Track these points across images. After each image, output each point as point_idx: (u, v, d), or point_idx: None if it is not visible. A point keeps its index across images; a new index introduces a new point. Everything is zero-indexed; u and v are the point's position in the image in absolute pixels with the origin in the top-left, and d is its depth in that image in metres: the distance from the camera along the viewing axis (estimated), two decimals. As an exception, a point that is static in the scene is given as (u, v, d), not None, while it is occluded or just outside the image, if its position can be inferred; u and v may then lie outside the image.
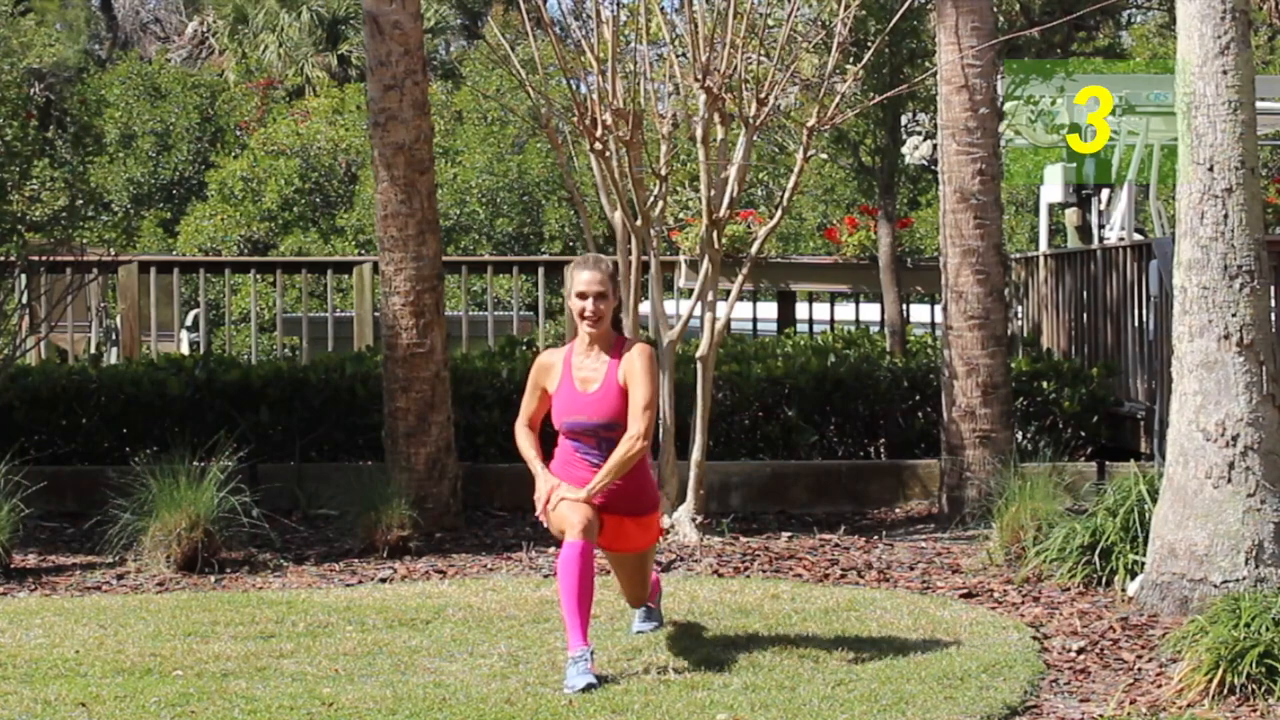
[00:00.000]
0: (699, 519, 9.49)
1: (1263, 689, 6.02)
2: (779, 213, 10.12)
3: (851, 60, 11.34)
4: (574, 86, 9.86)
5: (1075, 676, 6.52)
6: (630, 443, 6.49)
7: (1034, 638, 7.04)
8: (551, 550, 9.14)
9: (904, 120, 12.55)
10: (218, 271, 15.95)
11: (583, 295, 6.56)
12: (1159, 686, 6.29)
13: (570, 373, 6.62)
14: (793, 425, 11.09)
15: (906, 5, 10.89)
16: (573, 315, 6.64)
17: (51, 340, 13.21)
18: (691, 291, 10.15)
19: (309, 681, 6.35)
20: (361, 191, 22.73)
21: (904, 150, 12.58)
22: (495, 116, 24.31)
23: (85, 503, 9.99)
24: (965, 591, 8.08)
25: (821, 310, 15.48)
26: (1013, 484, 8.84)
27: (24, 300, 10.52)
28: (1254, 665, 6.04)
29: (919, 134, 12.68)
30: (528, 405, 6.79)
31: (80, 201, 10.69)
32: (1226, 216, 7.41)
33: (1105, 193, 14.54)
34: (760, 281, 14.35)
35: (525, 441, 6.76)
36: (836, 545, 9.39)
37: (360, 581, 8.53)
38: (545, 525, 6.66)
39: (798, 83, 11.57)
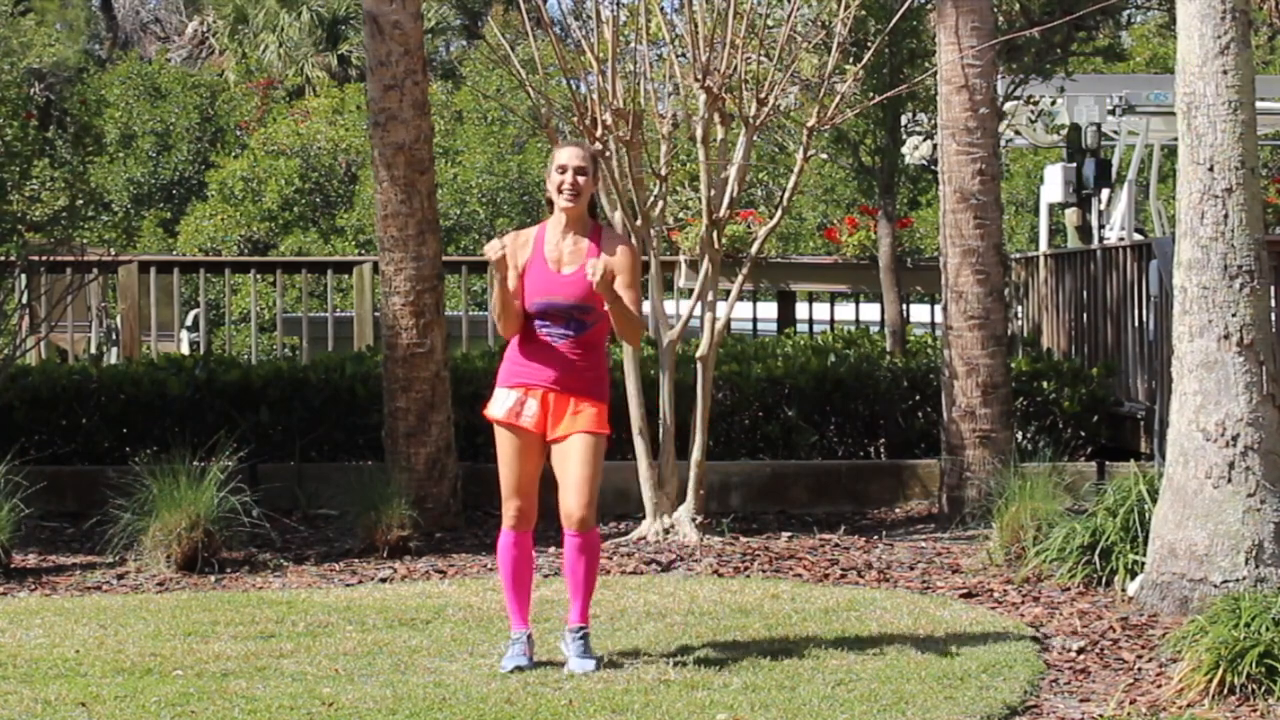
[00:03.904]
0: (699, 519, 9.49)
1: (1263, 689, 6.02)
2: (779, 213, 10.12)
3: (851, 60, 11.33)
4: (574, 86, 9.86)
5: (1075, 676, 6.52)
6: (634, 305, 6.50)
7: (1034, 638, 7.04)
8: (552, 550, 9.15)
9: (904, 120, 12.54)
10: (218, 271, 15.95)
11: (563, 169, 6.50)
12: (1159, 686, 6.29)
13: (542, 251, 6.55)
14: (793, 425, 11.09)
15: (906, 5, 10.89)
16: (550, 193, 6.55)
17: (51, 340, 13.21)
18: (691, 291, 10.15)
19: (309, 681, 6.35)
20: (361, 191, 22.74)
21: (904, 150, 12.57)
22: (495, 116, 24.33)
23: (85, 503, 9.98)
24: (965, 591, 8.08)
25: (821, 310, 15.48)
26: (1013, 484, 8.84)
27: (24, 300, 10.52)
28: (1254, 665, 6.04)
29: (919, 134, 12.67)
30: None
31: (80, 201, 10.69)
32: (1226, 216, 7.41)
33: (1105, 193, 14.54)
34: (760, 281, 14.34)
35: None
36: (836, 545, 9.39)
37: (360, 581, 8.53)
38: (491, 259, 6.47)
39: (798, 83, 11.57)
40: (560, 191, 6.51)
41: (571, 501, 6.52)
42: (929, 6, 11.76)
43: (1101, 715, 5.94)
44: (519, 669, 6.41)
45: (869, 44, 11.07)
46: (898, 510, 10.58)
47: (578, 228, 6.56)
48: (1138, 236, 14.33)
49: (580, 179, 6.50)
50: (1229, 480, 7.35)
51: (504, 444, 6.56)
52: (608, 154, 9.42)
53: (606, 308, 6.49)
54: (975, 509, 9.68)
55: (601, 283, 6.34)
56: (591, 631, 6.61)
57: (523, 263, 6.56)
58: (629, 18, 11.10)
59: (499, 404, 6.56)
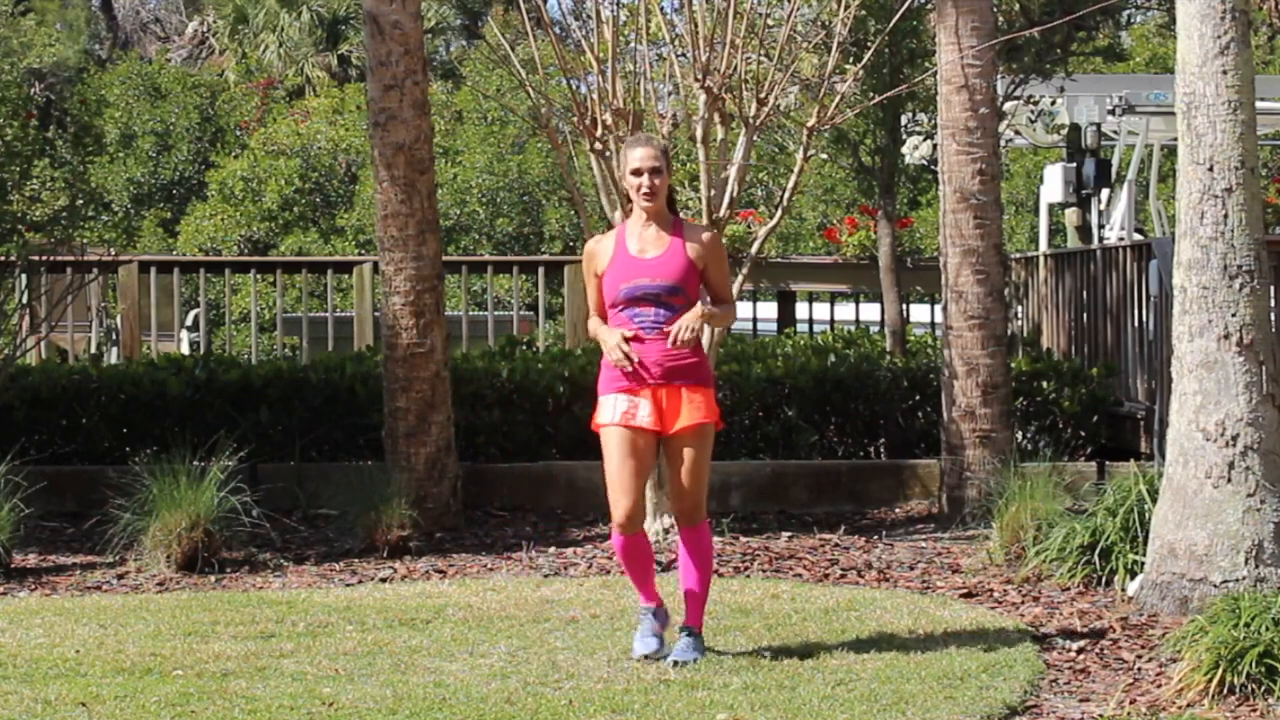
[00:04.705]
0: (699, 519, 9.48)
1: (1262, 689, 6.02)
2: (779, 213, 10.12)
3: (851, 60, 11.34)
4: (574, 86, 9.86)
5: (1075, 676, 6.52)
6: (732, 308, 6.85)
7: (1034, 638, 7.04)
8: (551, 550, 9.17)
9: (904, 120, 12.55)
10: (218, 271, 15.94)
11: (638, 172, 6.61)
12: (1159, 686, 6.29)
13: (625, 245, 6.62)
14: (793, 425, 11.09)
15: (906, 5, 10.89)
16: (628, 193, 6.67)
17: (51, 340, 13.20)
18: (691, 291, 10.13)
19: (309, 681, 6.35)
20: (361, 191, 22.74)
21: (904, 150, 12.57)
22: (495, 116, 24.31)
23: (85, 503, 9.98)
24: (965, 591, 8.08)
25: (821, 310, 15.49)
26: (1013, 484, 8.84)
27: (24, 300, 10.52)
28: (1254, 665, 6.04)
29: (919, 134, 12.68)
30: (593, 298, 6.74)
31: (80, 201, 10.68)
32: (1226, 216, 7.41)
33: (1105, 193, 14.55)
34: (760, 281, 14.35)
35: (596, 322, 6.69)
36: (836, 545, 9.39)
37: (360, 581, 8.53)
38: (614, 363, 6.55)
39: (798, 83, 11.57)
40: (640, 193, 6.61)
41: (683, 499, 6.62)
42: (929, 6, 11.76)
43: (1101, 715, 5.94)
44: (646, 657, 6.54)
45: (869, 44, 11.07)
46: (898, 510, 10.58)
47: (659, 221, 6.65)
48: (1138, 236, 14.33)
49: (656, 180, 6.62)
50: (1229, 480, 7.35)
51: (616, 444, 6.54)
52: (609, 154, 9.41)
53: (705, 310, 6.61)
54: (975, 509, 9.68)
55: (695, 327, 6.50)
56: (595, 631, 6.60)
57: (604, 265, 6.63)
58: (629, 18, 11.10)
59: (608, 410, 6.57)
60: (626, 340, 6.50)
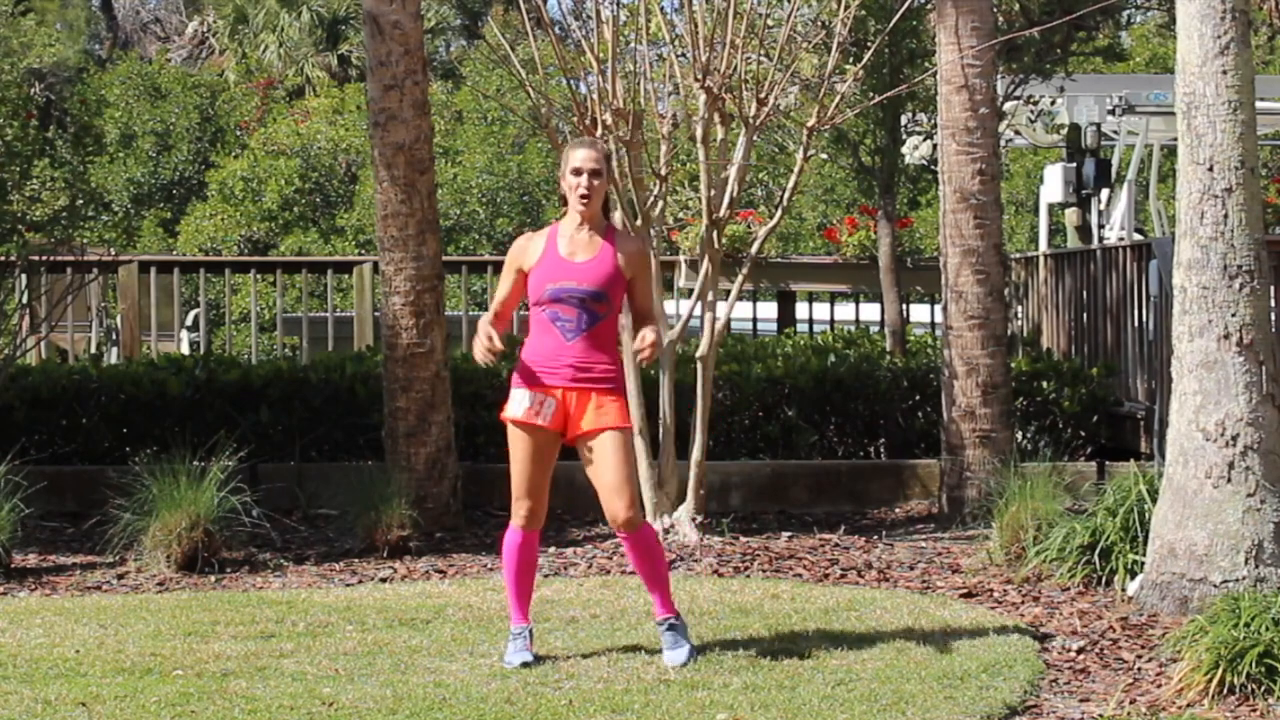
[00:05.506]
0: (699, 519, 9.49)
1: (1262, 689, 6.02)
2: (779, 213, 10.11)
3: (851, 60, 11.34)
4: (574, 86, 9.86)
5: (1075, 676, 6.52)
6: (660, 327, 6.92)
7: (1034, 638, 7.04)
8: (551, 550, 9.16)
9: (904, 120, 12.54)
10: (218, 271, 15.96)
11: (578, 171, 6.57)
12: (1159, 686, 6.29)
13: (556, 245, 6.58)
14: (793, 425, 11.09)
15: (906, 5, 10.89)
16: (565, 193, 6.62)
17: (51, 340, 13.20)
18: (691, 291, 10.15)
19: (309, 681, 6.35)
20: (361, 191, 22.76)
21: (904, 150, 12.56)
22: (495, 116, 24.33)
23: (85, 503, 9.98)
24: (965, 591, 8.08)
25: (821, 310, 15.48)
26: (1013, 484, 8.84)
27: (24, 300, 10.52)
28: (1254, 665, 6.04)
29: (919, 134, 12.67)
30: (501, 291, 6.72)
31: (80, 201, 10.69)
32: (1226, 216, 7.41)
33: (1105, 193, 14.55)
34: (760, 281, 14.34)
35: (487, 319, 6.60)
36: (836, 545, 9.39)
37: (360, 581, 8.53)
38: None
39: (798, 83, 11.57)
40: (576, 193, 6.57)
41: (616, 505, 6.52)
42: (929, 6, 11.76)
43: (1101, 715, 5.94)
44: (525, 665, 6.47)
45: (869, 44, 11.07)
46: (898, 510, 10.58)
47: (593, 226, 6.61)
48: (1138, 236, 14.33)
49: (595, 181, 6.57)
50: (1229, 480, 7.35)
51: (519, 444, 6.56)
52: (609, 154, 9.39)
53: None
54: (975, 509, 9.68)
55: (657, 342, 6.47)
56: (594, 630, 6.60)
57: (532, 263, 6.60)
58: (629, 18, 11.09)
59: (516, 404, 6.55)
60: (492, 341, 6.44)
